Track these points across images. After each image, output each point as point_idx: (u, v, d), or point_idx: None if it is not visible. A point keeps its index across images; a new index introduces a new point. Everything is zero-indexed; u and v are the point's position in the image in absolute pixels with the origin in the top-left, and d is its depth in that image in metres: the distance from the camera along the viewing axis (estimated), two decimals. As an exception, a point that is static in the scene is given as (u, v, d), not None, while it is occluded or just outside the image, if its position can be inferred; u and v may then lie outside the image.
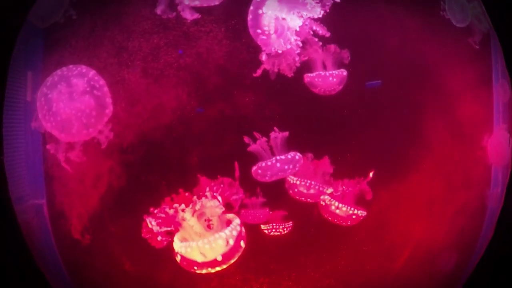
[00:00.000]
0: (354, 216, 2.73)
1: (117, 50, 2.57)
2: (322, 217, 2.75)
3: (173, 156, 2.60)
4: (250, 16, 2.55)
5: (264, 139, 2.60)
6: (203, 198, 2.34)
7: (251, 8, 2.54)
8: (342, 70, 2.73)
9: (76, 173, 2.51)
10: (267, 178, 2.66)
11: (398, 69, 2.79)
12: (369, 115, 2.76)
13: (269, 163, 2.63)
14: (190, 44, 2.56)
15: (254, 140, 2.59)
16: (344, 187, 2.70)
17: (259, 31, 2.55)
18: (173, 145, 2.58)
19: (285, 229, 2.73)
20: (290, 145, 2.67)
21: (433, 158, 2.83)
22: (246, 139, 2.58)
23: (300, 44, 2.54)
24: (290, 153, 2.66)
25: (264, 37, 2.54)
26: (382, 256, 2.88)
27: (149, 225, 2.32)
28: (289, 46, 2.53)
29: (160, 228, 2.29)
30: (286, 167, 2.65)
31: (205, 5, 2.50)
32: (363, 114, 2.75)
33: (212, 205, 2.34)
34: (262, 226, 2.73)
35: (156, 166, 2.61)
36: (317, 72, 2.74)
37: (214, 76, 2.56)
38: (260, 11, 2.51)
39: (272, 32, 2.53)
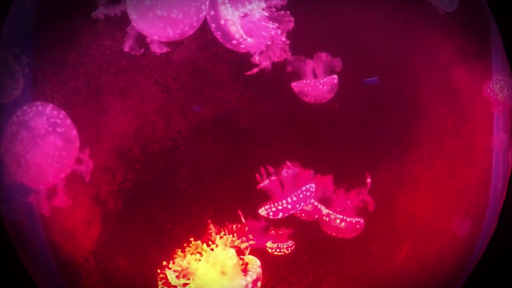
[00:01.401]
0: (358, 226, 2.64)
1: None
2: (325, 234, 2.66)
3: (177, 200, 2.53)
4: (218, 33, 2.42)
5: (275, 177, 2.50)
6: (216, 248, 2.29)
7: (213, 25, 2.41)
8: (332, 76, 2.62)
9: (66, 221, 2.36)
10: (279, 217, 2.54)
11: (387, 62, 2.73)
12: (363, 122, 2.69)
13: (283, 206, 2.52)
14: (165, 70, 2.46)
15: (267, 174, 2.48)
16: (349, 201, 2.61)
17: (234, 42, 2.44)
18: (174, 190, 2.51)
19: (288, 248, 2.61)
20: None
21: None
22: (258, 177, 2.48)
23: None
24: (303, 189, 2.54)
25: (243, 45, 2.44)
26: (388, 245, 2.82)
27: (170, 279, 2.28)
28: (273, 33, 2.43)
29: (179, 280, 2.24)
30: (298, 206, 2.55)
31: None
32: (358, 121, 2.68)
33: (226, 256, 2.27)
34: (267, 246, 2.62)
35: (156, 208, 2.47)
36: (306, 81, 2.62)
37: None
38: (222, 22, 2.38)
39: (245, 35, 2.41)
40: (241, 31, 2.40)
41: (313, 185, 2.55)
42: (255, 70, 2.45)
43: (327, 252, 2.74)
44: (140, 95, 2.51)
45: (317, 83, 2.62)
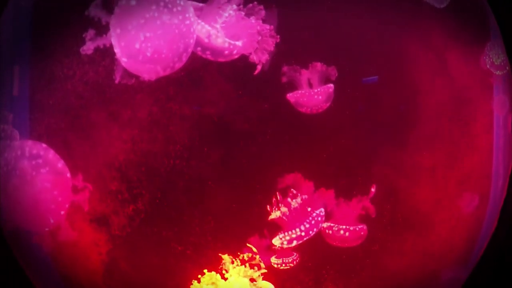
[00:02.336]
0: (362, 233, 2.64)
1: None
2: (331, 246, 2.64)
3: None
4: (207, 52, 2.37)
5: (285, 207, 2.49)
6: (230, 277, 2.29)
7: (199, 49, 2.36)
8: (328, 86, 2.60)
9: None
10: (293, 245, 2.53)
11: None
12: (361, 128, 2.70)
13: (297, 234, 2.51)
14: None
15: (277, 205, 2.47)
16: (351, 210, 2.59)
17: (226, 52, 2.40)
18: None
19: (294, 261, 2.60)
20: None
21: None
22: (270, 209, 2.47)
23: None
24: (314, 215, 2.53)
25: (235, 50, 2.40)
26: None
27: None
28: (258, 27, 2.40)
29: None
30: (311, 232, 2.53)
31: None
32: (355, 128, 2.68)
33: (241, 285, 2.28)
34: (272, 261, 2.60)
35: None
36: (301, 91, 2.59)
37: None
38: (206, 40, 2.34)
39: (233, 41, 2.37)
40: (228, 40, 2.36)
41: (323, 210, 2.54)
42: (259, 67, 2.42)
43: (333, 260, 2.74)
44: (133, 115, 2.48)
45: (312, 93, 2.58)
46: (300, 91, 2.60)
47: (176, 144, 2.50)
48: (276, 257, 2.58)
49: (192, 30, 2.25)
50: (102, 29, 2.18)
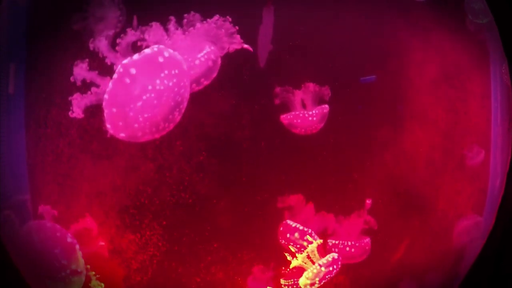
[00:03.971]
0: (367, 247, 2.66)
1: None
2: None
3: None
4: (194, 85, 2.31)
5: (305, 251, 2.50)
6: None
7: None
8: (322, 106, 2.58)
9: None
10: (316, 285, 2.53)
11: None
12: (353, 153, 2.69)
13: (317, 273, 2.49)
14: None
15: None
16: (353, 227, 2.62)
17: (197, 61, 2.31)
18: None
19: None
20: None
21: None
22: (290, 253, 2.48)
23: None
24: (330, 260, 2.52)
25: (198, 61, 2.29)
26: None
27: None
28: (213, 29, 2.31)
29: None
30: (331, 268, 2.52)
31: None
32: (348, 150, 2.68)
33: None
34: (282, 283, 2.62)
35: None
36: (295, 112, 2.57)
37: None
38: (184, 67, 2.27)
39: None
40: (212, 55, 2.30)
41: (336, 255, 2.53)
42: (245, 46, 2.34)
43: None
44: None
45: (306, 115, 2.56)
46: (294, 113, 2.57)
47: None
48: (284, 279, 2.59)
49: (187, 93, 2.23)
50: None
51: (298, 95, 2.56)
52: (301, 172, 2.64)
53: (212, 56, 2.27)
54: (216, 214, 2.58)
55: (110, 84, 2.06)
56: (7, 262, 2.42)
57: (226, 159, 2.55)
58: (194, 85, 2.29)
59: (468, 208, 2.97)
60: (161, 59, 2.08)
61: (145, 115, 2.12)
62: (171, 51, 2.12)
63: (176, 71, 2.14)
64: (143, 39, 2.10)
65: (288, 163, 2.63)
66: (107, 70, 2.12)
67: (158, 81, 2.09)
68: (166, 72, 2.11)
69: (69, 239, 2.34)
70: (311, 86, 2.53)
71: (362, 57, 2.68)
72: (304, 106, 2.58)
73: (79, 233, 2.40)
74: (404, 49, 2.75)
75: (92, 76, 2.10)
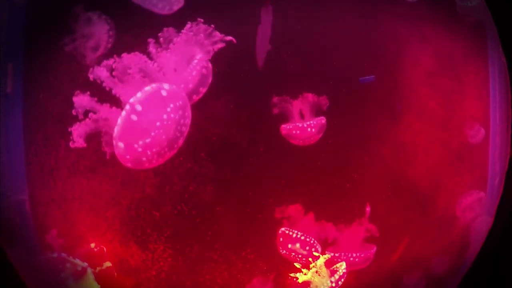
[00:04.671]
0: (371, 256, 2.66)
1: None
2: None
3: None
4: (194, 96, 2.28)
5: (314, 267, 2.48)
6: None
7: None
8: (320, 118, 2.55)
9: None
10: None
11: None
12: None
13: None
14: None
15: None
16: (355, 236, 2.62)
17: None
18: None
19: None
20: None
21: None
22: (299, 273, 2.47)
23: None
24: (341, 274, 2.52)
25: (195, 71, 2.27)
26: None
27: None
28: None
29: None
30: (340, 282, 2.51)
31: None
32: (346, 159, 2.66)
33: None
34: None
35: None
36: (294, 124, 2.55)
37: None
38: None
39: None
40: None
41: (345, 268, 2.53)
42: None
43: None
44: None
45: (305, 126, 2.53)
46: (293, 124, 2.55)
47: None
48: None
49: (189, 119, 2.24)
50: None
51: (296, 105, 2.53)
52: (300, 182, 2.63)
53: (203, 63, 2.25)
54: (216, 222, 2.59)
55: (119, 121, 2.05)
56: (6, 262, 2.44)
57: (225, 167, 2.55)
58: (194, 96, 2.27)
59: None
60: (164, 93, 2.09)
61: (153, 150, 2.13)
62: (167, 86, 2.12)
63: (180, 102, 2.14)
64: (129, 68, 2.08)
65: (287, 173, 2.61)
66: (107, 97, 2.10)
67: (165, 116, 2.10)
68: (171, 106, 2.12)
69: (79, 267, 2.37)
70: (309, 96, 2.51)
71: (359, 56, 2.66)
72: (302, 116, 2.55)
73: (87, 255, 2.42)
74: (398, 44, 2.73)
75: (92, 104, 2.08)
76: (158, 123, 2.10)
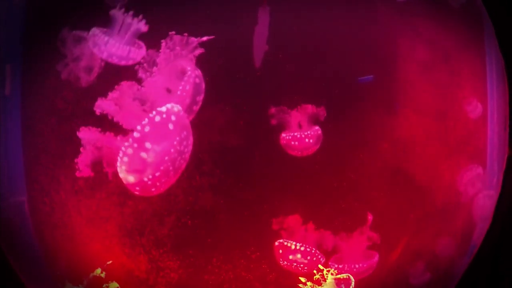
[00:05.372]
0: (374, 264, 2.65)
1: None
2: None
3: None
4: (194, 107, 2.27)
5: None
6: None
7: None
8: (316, 128, 2.54)
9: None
10: None
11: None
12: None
13: None
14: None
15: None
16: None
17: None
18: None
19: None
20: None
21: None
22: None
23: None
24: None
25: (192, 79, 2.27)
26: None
27: None
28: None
29: None
30: None
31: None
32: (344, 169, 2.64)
33: None
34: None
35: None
36: (292, 134, 2.52)
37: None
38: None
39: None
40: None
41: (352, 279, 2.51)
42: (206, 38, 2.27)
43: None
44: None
45: (303, 136, 2.50)
46: (292, 134, 2.52)
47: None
48: None
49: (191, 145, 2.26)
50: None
51: (294, 116, 2.50)
52: (298, 192, 2.61)
53: (193, 74, 2.23)
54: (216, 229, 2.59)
55: (126, 158, 2.08)
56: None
57: (223, 176, 2.53)
58: (194, 107, 2.27)
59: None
60: (171, 126, 2.10)
61: (162, 180, 2.16)
62: (175, 109, 2.12)
63: (185, 133, 2.18)
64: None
65: (285, 183, 2.60)
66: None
67: (172, 150, 2.13)
68: (177, 139, 2.14)
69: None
70: (308, 107, 2.49)
71: (355, 56, 2.63)
72: (300, 126, 2.53)
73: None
74: (396, 44, 2.70)
75: (98, 136, 2.11)
76: (166, 158, 2.12)
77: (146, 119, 2.05)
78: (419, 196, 2.79)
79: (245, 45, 2.48)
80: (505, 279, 3.07)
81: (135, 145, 2.06)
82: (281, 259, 2.58)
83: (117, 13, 2.24)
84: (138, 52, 2.27)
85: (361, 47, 2.62)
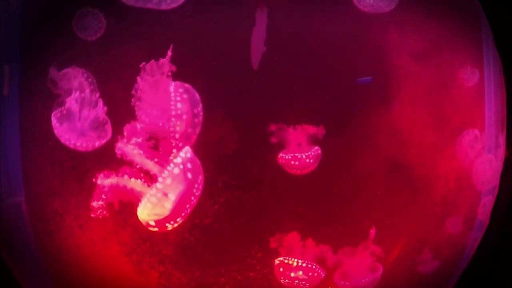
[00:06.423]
0: (377, 277, 2.64)
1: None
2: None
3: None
4: (195, 120, 2.25)
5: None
6: None
7: None
8: (315, 148, 2.48)
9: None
10: None
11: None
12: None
13: None
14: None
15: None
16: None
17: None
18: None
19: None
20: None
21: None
22: None
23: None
24: None
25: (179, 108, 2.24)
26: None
27: None
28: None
29: None
30: None
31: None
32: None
33: None
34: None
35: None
36: (293, 154, 2.47)
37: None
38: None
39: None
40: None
41: None
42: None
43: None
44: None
45: (304, 156, 2.45)
46: (292, 154, 2.47)
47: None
48: None
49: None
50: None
51: (293, 135, 2.44)
52: (296, 209, 2.57)
53: (179, 90, 2.22)
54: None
55: (149, 205, 2.13)
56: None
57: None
58: (196, 120, 2.26)
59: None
60: (189, 175, 2.15)
61: (179, 221, 2.25)
62: (188, 154, 2.14)
63: (200, 178, 2.24)
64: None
65: (283, 201, 2.55)
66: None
67: (192, 198, 2.22)
68: (196, 186, 2.21)
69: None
70: (308, 127, 2.43)
71: (352, 58, 2.58)
72: (299, 145, 2.46)
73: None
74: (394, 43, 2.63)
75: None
76: (187, 206, 2.21)
77: (166, 172, 2.08)
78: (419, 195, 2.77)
79: (243, 47, 2.43)
80: (504, 279, 3.12)
81: (159, 194, 2.11)
82: (281, 278, 2.55)
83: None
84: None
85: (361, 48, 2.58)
